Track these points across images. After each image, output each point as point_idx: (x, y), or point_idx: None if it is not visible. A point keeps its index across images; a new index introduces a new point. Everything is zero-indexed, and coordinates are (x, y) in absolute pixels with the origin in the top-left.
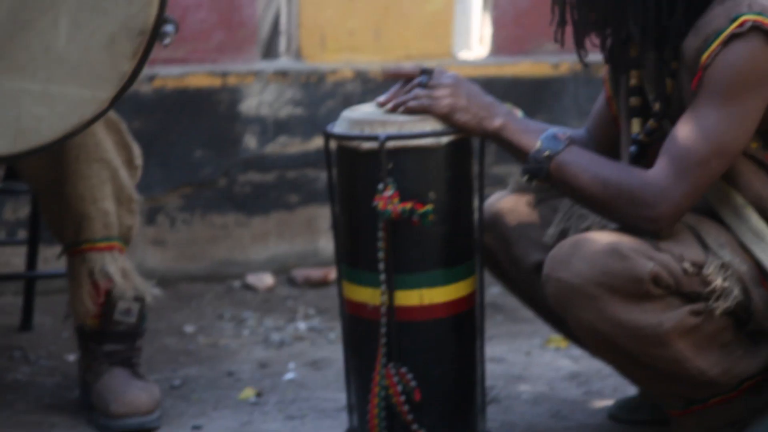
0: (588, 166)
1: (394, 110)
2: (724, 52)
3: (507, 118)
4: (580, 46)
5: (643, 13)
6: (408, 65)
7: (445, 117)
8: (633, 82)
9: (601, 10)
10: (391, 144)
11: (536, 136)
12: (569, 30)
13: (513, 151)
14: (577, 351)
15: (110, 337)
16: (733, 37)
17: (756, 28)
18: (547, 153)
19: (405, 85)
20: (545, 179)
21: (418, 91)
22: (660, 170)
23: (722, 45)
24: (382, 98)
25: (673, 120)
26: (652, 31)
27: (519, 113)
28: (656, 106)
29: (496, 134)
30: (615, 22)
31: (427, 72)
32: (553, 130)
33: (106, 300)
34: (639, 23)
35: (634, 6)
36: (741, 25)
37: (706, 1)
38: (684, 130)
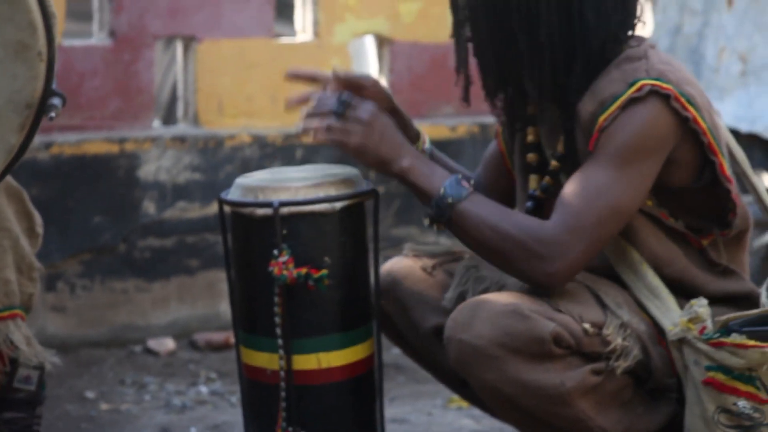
0: (489, 216)
1: (304, 133)
2: (623, 115)
3: (414, 160)
4: (492, 105)
5: (539, 72)
6: (312, 72)
7: (353, 154)
8: (530, 138)
9: (498, 71)
10: (285, 210)
11: (441, 180)
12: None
13: (417, 193)
14: (479, 411)
15: (10, 404)
16: (632, 101)
17: (654, 93)
18: (450, 200)
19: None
20: (447, 225)
21: (332, 122)
22: (558, 226)
23: (620, 109)
24: (293, 99)
25: (569, 177)
26: (549, 90)
27: (426, 139)
28: (553, 164)
29: (402, 176)
30: (512, 82)
31: (345, 102)
32: (458, 176)
33: (8, 368)
34: (535, 82)
35: (530, 65)
36: (639, 89)
37: (602, 63)
38: (582, 189)
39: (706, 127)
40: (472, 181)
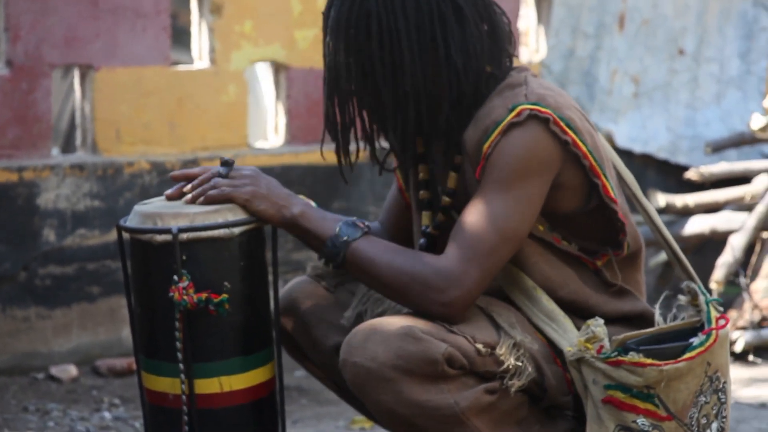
0: (382, 254)
1: (193, 201)
2: (504, 140)
3: (305, 207)
4: (340, 156)
5: (403, 122)
6: (195, 169)
7: (245, 204)
8: (421, 176)
9: (367, 122)
10: (184, 236)
11: (334, 223)
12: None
13: (311, 238)
14: (381, 430)
15: None
16: (512, 125)
17: (533, 116)
18: (345, 238)
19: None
20: (341, 264)
21: (218, 180)
22: (450, 257)
23: (502, 134)
24: (169, 191)
25: (461, 212)
26: (411, 140)
27: (313, 204)
28: (444, 200)
29: (295, 221)
30: (382, 127)
31: (227, 163)
32: (353, 219)
33: None
34: (398, 133)
35: (393, 116)
36: (519, 114)
37: (479, 98)
38: (471, 218)
39: (587, 150)
40: (365, 223)
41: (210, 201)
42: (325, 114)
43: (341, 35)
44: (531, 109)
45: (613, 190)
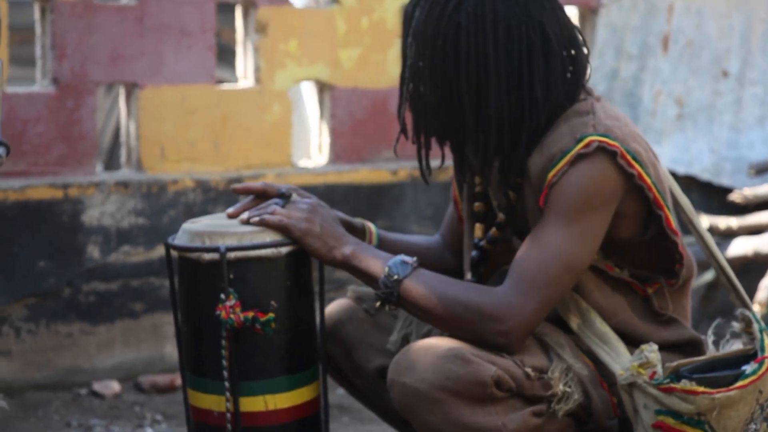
0: (436, 287)
1: (248, 221)
2: (571, 171)
3: (356, 246)
4: (421, 160)
5: (484, 143)
6: (257, 183)
7: (298, 240)
8: (477, 188)
9: (440, 135)
10: (231, 255)
11: (384, 261)
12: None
13: (363, 277)
14: None
15: None
16: (580, 157)
17: (601, 149)
18: (395, 277)
19: (255, 199)
20: (396, 303)
21: (276, 208)
22: (510, 287)
23: (569, 165)
24: (231, 210)
25: (516, 230)
26: (490, 159)
27: (373, 229)
28: (500, 217)
29: (346, 262)
30: (454, 147)
31: (283, 196)
32: (401, 256)
33: None
34: (479, 152)
35: (474, 136)
36: (587, 145)
37: (548, 127)
38: (533, 248)
39: (651, 182)
40: (415, 259)
41: (265, 225)
42: (399, 111)
43: (428, 42)
44: (600, 141)
45: (674, 221)
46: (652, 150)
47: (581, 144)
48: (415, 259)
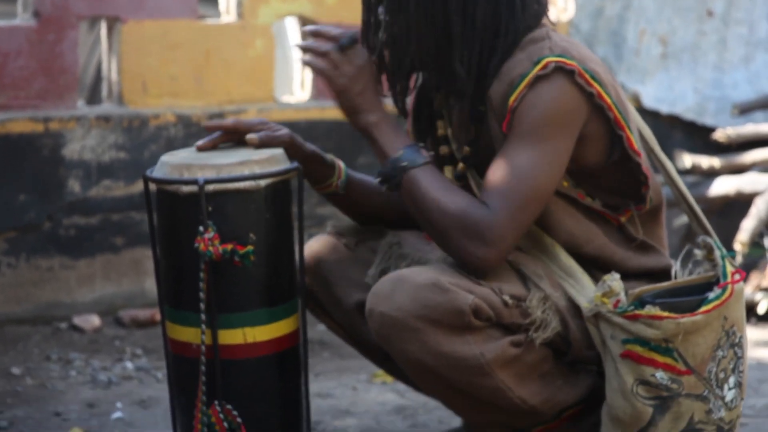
0: (436, 189)
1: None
2: (531, 93)
3: (382, 118)
4: (395, 92)
5: (469, 53)
6: (229, 120)
7: (334, 92)
8: (440, 132)
9: (423, 51)
10: (210, 187)
11: (402, 144)
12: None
13: (376, 150)
14: (403, 385)
15: None
16: (538, 78)
17: (559, 69)
18: (405, 163)
19: (225, 134)
20: (396, 188)
21: (332, 55)
22: (493, 211)
23: (528, 87)
24: (200, 143)
25: (474, 164)
26: (475, 71)
27: (342, 166)
28: (465, 150)
29: (367, 129)
30: (439, 63)
31: (352, 39)
32: (420, 144)
33: None
34: (464, 63)
35: (461, 47)
36: (544, 66)
37: (509, 48)
38: (501, 172)
39: (611, 102)
40: (432, 153)
41: (308, 65)
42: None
43: None
44: (557, 62)
45: (636, 142)
46: (612, 74)
47: (539, 66)
48: (431, 153)
